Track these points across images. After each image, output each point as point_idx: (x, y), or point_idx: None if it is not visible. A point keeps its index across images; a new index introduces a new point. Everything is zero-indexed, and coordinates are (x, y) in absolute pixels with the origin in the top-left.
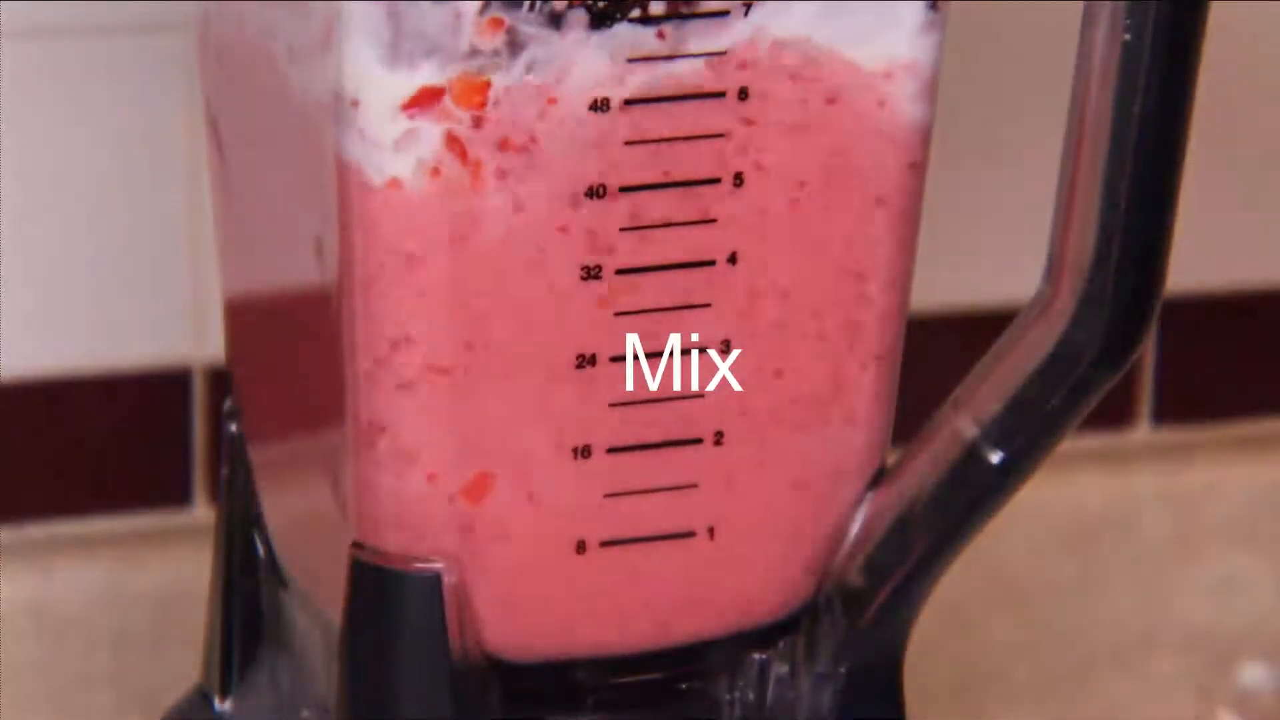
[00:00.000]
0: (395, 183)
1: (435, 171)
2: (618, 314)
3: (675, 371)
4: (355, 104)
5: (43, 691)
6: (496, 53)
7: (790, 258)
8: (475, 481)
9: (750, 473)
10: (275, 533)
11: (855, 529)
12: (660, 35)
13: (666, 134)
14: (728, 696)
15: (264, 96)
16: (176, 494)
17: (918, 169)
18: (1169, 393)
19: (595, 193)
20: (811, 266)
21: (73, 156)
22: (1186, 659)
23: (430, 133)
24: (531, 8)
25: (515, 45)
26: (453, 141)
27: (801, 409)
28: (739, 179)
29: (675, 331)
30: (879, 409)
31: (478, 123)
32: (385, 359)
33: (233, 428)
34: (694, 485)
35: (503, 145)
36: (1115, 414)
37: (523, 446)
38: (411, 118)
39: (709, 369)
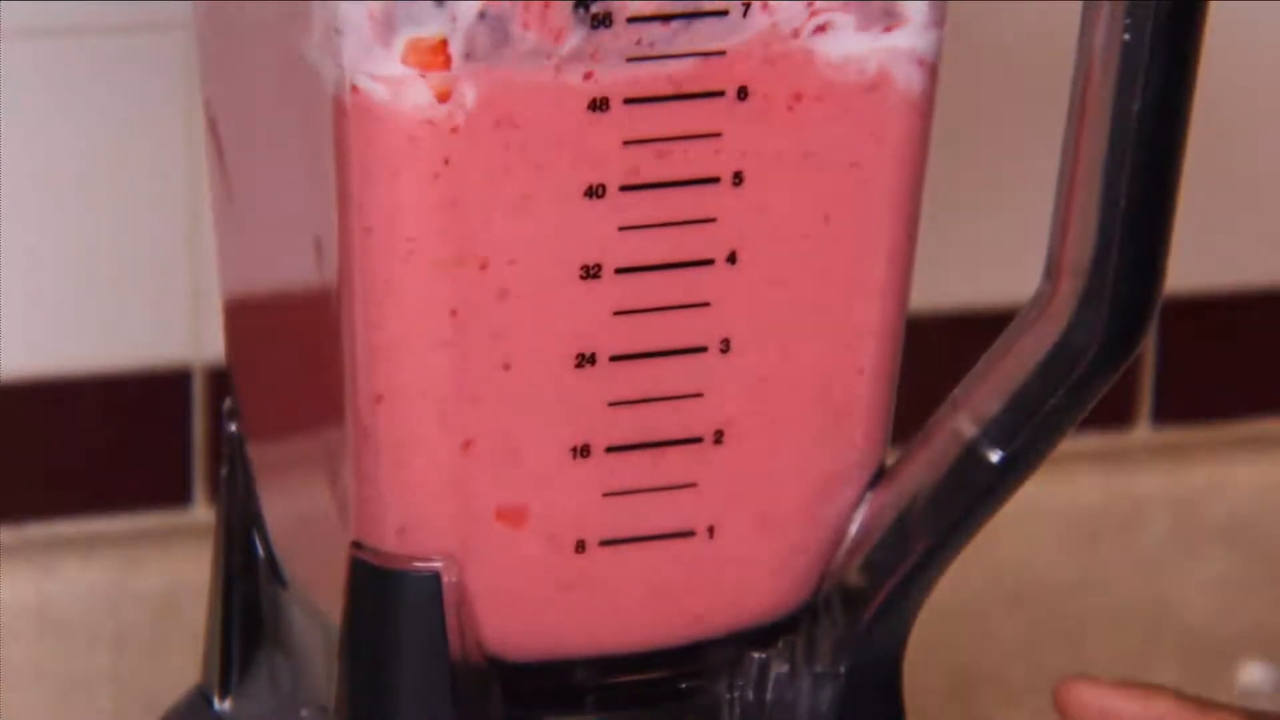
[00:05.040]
0: (399, 186)
1: (436, 171)
2: (617, 313)
3: (675, 371)
4: (352, 89)
5: (43, 691)
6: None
7: (790, 257)
8: (510, 505)
9: (750, 472)
10: (275, 532)
11: (855, 528)
12: (660, 35)
13: (666, 134)
14: (727, 696)
15: (263, 94)
16: (176, 494)
17: (917, 168)
18: (1169, 393)
19: (595, 192)
20: (811, 265)
21: (72, 156)
22: (1186, 659)
23: (426, 130)
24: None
25: (513, 45)
26: (444, 137)
27: (801, 408)
28: (738, 178)
29: (675, 331)
30: (878, 408)
31: (478, 113)
32: (385, 358)
33: (232, 427)
34: (693, 485)
35: (501, 143)
36: (1115, 414)
37: (522, 445)
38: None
39: (709, 369)
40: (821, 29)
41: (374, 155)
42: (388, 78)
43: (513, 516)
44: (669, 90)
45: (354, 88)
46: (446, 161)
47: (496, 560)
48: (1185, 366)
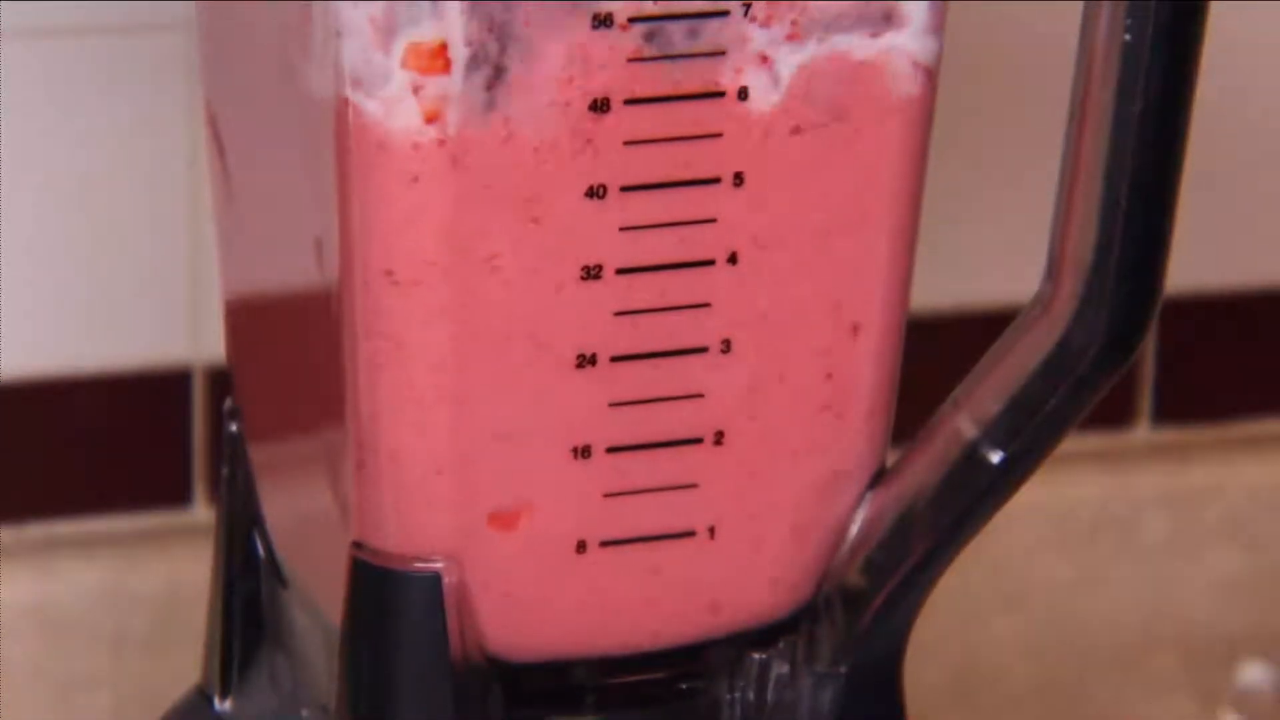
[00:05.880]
0: (399, 190)
1: (434, 171)
2: (617, 314)
3: (675, 371)
4: (354, 85)
5: (43, 691)
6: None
7: (790, 257)
8: (502, 510)
9: (750, 472)
10: (275, 532)
11: (855, 529)
12: (660, 35)
13: (667, 134)
14: (728, 696)
15: (264, 94)
16: (176, 494)
17: (918, 167)
18: (1169, 393)
19: (595, 193)
20: (811, 265)
21: (72, 156)
22: (1186, 659)
23: (423, 133)
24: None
25: (512, 46)
26: (448, 139)
27: (801, 408)
28: (739, 178)
29: (675, 331)
30: (879, 409)
31: (477, 115)
32: (384, 359)
33: (233, 427)
34: (694, 485)
35: (502, 144)
36: (1115, 414)
37: (523, 446)
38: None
39: (709, 369)
40: (820, 29)
41: (372, 155)
42: (385, 73)
43: (504, 521)
44: (670, 90)
45: (353, 81)
46: (446, 160)
47: (497, 561)
48: (1185, 366)
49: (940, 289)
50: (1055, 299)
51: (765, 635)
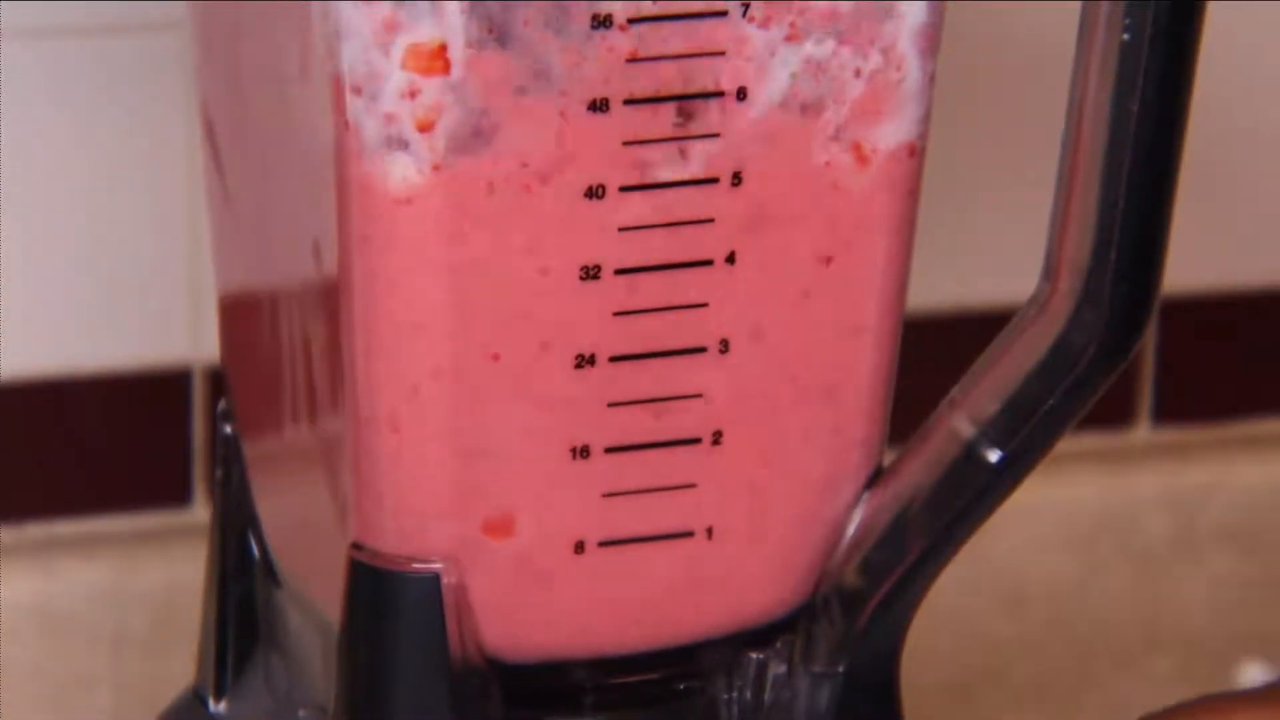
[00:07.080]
0: (395, 192)
1: (434, 166)
2: (617, 314)
3: (674, 371)
4: (353, 87)
5: (43, 691)
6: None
7: (788, 256)
8: (492, 515)
9: (748, 473)
10: (271, 533)
11: (853, 529)
12: (660, 36)
13: (666, 134)
14: (725, 696)
15: (260, 97)
16: (176, 494)
17: (916, 166)
18: (1169, 393)
19: (595, 193)
20: (809, 264)
21: (72, 156)
22: (1186, 659)
23: (422, 130)
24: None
25: (512, 46)
26: (445, 139)
27: (799, 409)
28: (737, 178)
29: (675, 332)
30: (876, 408)
31: (474, 115)
32: (383, 360)
33: (227, 429)
34: (692, 485)
35: (501, 142)
36: (1115, 414)
37: (521, 446)
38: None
39: (707, 369)
40: (819, 29)
41: (370, 159)
42: (384, 74)
43: (499, 528)
44: (669, 91)
45: (352, 83)
46: (444, 160)
47: (496, 561)
48: (1185, 366)
49: (939, 289)
50: (1053, 298)
51: (763, 635)
